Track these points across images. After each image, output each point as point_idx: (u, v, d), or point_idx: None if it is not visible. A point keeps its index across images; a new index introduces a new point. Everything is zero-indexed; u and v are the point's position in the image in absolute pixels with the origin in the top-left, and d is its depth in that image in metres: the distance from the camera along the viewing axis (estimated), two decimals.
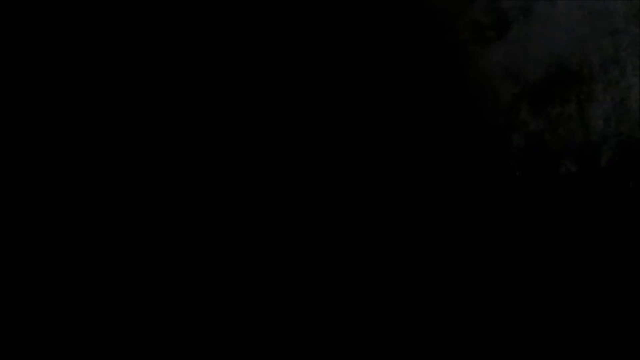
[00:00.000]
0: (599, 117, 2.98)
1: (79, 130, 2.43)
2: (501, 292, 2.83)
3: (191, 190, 2.49)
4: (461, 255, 2.85)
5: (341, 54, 2.79)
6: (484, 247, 2.87)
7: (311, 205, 2.62)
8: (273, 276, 2.48)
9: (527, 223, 2.91)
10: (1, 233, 2.32)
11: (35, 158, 2.40)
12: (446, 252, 2.84)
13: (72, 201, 2.40)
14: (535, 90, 2.97)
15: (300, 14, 2.62)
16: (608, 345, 2.81)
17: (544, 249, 2.90)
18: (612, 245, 2.88)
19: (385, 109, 2.88)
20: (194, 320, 2.38)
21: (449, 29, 2.94)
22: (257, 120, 2.55)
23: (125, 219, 2.42)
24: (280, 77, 2.58)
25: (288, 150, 2.59)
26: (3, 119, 2.37)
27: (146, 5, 2.44)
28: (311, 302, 2.50)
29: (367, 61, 2.85)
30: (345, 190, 2.72)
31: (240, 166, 2.53)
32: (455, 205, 2.89)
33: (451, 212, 2.89)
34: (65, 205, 2.39)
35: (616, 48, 2.98)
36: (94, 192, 2.41)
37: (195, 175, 2.49)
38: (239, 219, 2.50)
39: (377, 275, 2.70)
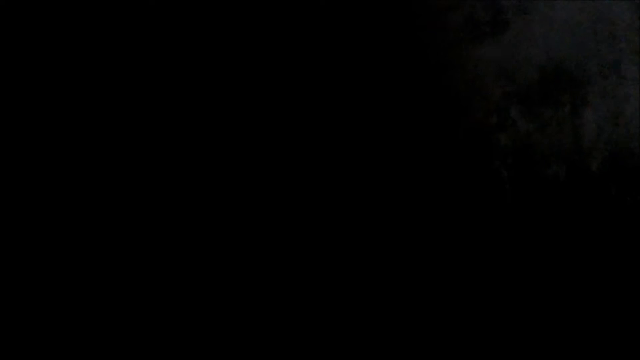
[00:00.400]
0: (592, 122, 2.91)
1: (78, 130, 2.45)
2: (483, 291, 2.78)
3: (191, 189, 2.50)
4: (444, 253, 2.82)
5: (335, 53, 2.81)
6: (467, 245, 2.83)
7: (299, 202, 2.62)
8: (268, 275, 2.49)
9: (510, 223, 2.85)
10: (1, 233, 2.34)
11: (35, 158, 2.42)
12: (429, 250, 2.81)
13: (72, 201, 2.42)
14: (527, 90, 2.92)
15: (300, 14, 2.64)
16: (593, 348, 2.73)
17: (526, 249, 2.84)
18: (596, 249, 2.80)
19: (371, 107, 2.87)
20: (194, 320, 2.38)
21: (442, 25, 2.93)
22: (255, 119, 2.56)
23: (125, 219, 2.43)
24: (279, 76, 2.60)
25: (284, 149, 2.60)
26: (3, 119, 2.40)
27: (146, 5, 2.46)
28: (302, 300, 2.50)
29: (355, 58, 2.85)
30: (331, 189, 2.72)
31: (236, 165, 2.54)
32: (438, 202, 2.86)
33: (435, 210, 2.86)
34: (65, 205, 2.41)
35: (616, 55, 2.91)
36: (93, 192, 2.43)
37: (195, 174, 2.50)
38: (237, 219, 2.51)
39: (364, 273, 2.69)
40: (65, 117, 2.42)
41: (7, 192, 2.33)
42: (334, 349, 2.42)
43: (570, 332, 2.74)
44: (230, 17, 2.52)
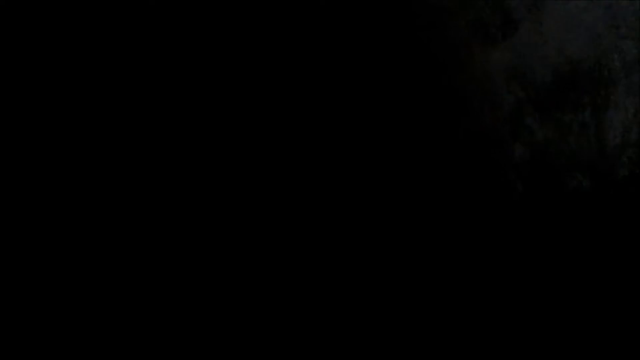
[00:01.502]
0: (618, 125, 2.64)
1: (78, 130, 2.42)
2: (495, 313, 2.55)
3: (191, 189, 2.45)
4: (452, 272, 2.60)
5: (336, 54, 2.63)
6: (481, 268, 2.60)
7: (301, 205, 2.51)
8: (268, 275, 2.43)
9: (529, 242, 2.61)
10: (1, 233, 2.32)
11: (35, 158, 2.39)
12: (436, 266, 2.59)
13: (72, 201, 2.39)
14: (543, 94, 2.67)
15: (300, 14, 2.54)
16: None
17: (547, 271, 2.59)
18: (627, 268, 2.53)
19: (374, 115, 2.68)
20: (193, 320, 2.35)
21: (449, 27, 2.71)
22: (255, 119, 2.50)
23: (125, 219, 2.40)
24: (280, 77, 2.52)
25: (285, 149, 2.51)
26: (3, 119, 2.38)
27: (146, 5, 2.43)
28: (301, 300, 2.43)
29: (356, 64, 2.67)
30: (335, 193, 2.57)
31: (235, 165, 2.47)
32: (446, 218, 2.63)
33: (444, 229, 2.64)
34: (65, 205, 2.39)
35: None
36: (93, 192, 2.40)
37: (195, 174, 2.45)
38: (238, 219, 2.45)
39: (366, 277, 2.53)
40: (65, 117, 2.40)
41: (7, 192, 2.33)
42: (334, 348, 2.36)
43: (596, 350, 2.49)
44: (230, 18, 2.48)
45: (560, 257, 2.56)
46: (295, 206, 2.50)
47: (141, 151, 2.43)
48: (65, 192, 2.38)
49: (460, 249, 2.57)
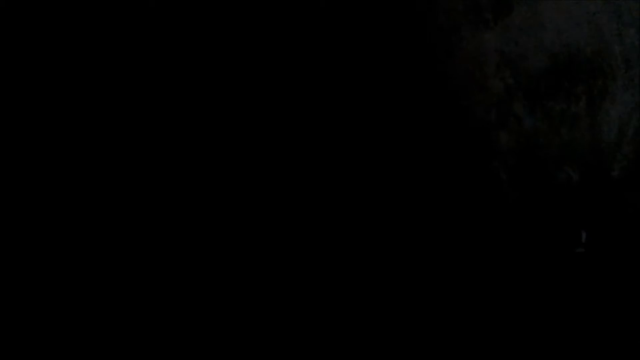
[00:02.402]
0: (614, 119, 2.45)
1: (79, 130, 2.41)
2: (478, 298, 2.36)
3: (191, 189, 2.43)
4: (436, 259, 2.43)
5: (334, 52, 2.55)
6: (461, 253, 2.43)
7: (294, 204, 2.47)
8: (268, 276, 2.40)
9: (510, 232, 2.42)
10: (1, 233, 2.33)
11: (35, 158, 2.39)
12: (420, 255, 2.43)
13: (71, 201, 2.38)
14: (535, 82, 2.50)
15: (300, 14, 2.50)
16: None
17: (528, 261, 2.39)
18: (612, 268, 2.31)
19: (359, 99, 2.56)
20: (193, 320, 2.33)
21: (439, 10, 2.58)
22: (255, 120, 2.46)
23: (125, 219, 2.39)
24: (279, 75, 2.49)
25: (284, 150, 2.48)
26: (3, 119, 2.39)
27: (146, 5, 2.43)
28: (301, 301, 2.39)
29: (344, 50, 2.56)
30: (324, 189, 2.49)
31: (236, 166, 2.44)
32: (427, 207, 2.48)
33: (424, 214, 2.48)
34: (65, 205, 2.37)
35: None
36: (93, 192, 2.39)
37: (195, 174, 2.43)
38: (238, 219, 2.43)
39: (360, 274, 2.44)
40: (65, 117, 2.41)
41: (7, 192, 2.33)
42: (336, 348, 2.30)
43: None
44: (230, 18, 2.46)
45: (543, 252, 2.37)
46: (290, 206, 2.46)
47: (141, 151, 2.42)
48: (65, 192, 2.38)
49: (443, 242, 2.40)
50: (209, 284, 2.35)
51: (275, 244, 2.42)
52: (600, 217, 2.34)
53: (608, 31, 2.48)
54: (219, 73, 2.46)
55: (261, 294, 2.35)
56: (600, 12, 2.48)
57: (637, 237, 2.33)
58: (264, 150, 2.45)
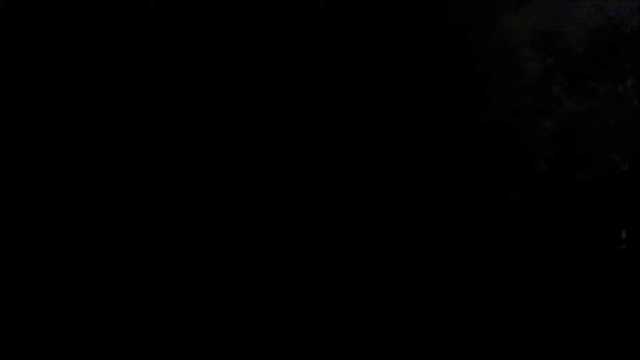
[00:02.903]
0: None
1: (78, 130, 2.40)
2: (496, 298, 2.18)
3: (191, 190, 2.39)
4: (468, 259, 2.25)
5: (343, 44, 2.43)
6: (498, 253, 2.24)
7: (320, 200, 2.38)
8: (274, 275, 2.34)
9: (551, 230, 2.22)
10: (1, 233, 2.33)
11: (35, 158, 2.38)
12: (452, 254, 2.25)
13: (71, 201, 2.36)
14: (575, 61, 2.28)
15: (300, 14, 2.45)
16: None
17: (573, 262, 2.19)
18: None
19: (385, 92, 2.38)
20: (193, 320, 2.29)
21: None
22: (257, 119, 2.41)
23: (124, 219, 2.37)
24: (279, 75, 2.43)
25: (287, 148, 2.40)
26: (3, 119, 2.39)
27: (146, 5, 2.43)
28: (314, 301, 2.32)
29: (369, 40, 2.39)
30: (348, 181, 2.38)
31: (241, 165, 2.40)
32: (459, 203, 2.29)
33: (457, 210, 2.29)
34: (65, 205, 2.36)
35: None
36: (93, 192, 2.37)
37: (195, 174, 2.39)
38: (240, 219, 2.37)
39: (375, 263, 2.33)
40: (65, 117, 2.40)
41: (7, 192, 2.34)
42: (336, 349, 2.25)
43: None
44: (231, 18, 2.45)
45: (583, 249, 2.16)
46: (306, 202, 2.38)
47: (141, 151, 2.39)
48: (66, 192, 2.37)
49: (474, 236, 2.21)
50: (209, 283, 2.31)
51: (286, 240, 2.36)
52: None
53: None
54: (219, 72, 2.43)
55: (262, 292, 2.31)
56: None
57: None
58: (263, 148, 2.39)
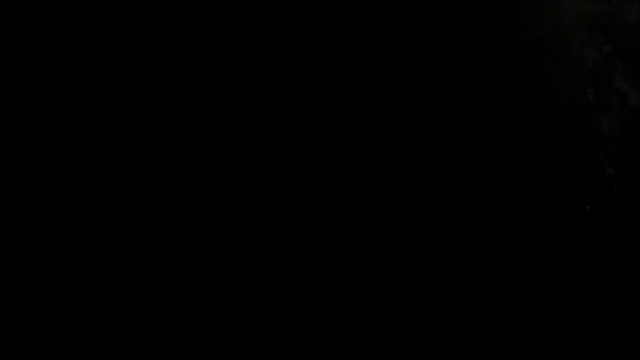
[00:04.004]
0: None
1: (78, 130, 2.40)
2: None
3: (191, 190, 2.36)
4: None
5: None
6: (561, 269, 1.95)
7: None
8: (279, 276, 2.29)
9: (622, 243, 1.90)
10: (1, 233, 2.33)
11: (35, 158, 2.38)
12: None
13: (71, 201, 2.35)
14: (638, 46, 1.96)
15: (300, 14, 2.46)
16: None
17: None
18: None
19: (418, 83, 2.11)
20: (193, 320, 2.25)
21: None
22: (258, 120, 2.39)
23: (125, 219, 2.34)
24: (280, 75, 2.41)
25: (288, 149, 2.35)
26: (3, 119, 2.42)
27: (146, 5, 2.49)
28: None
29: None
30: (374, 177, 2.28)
31: (240, 165, 2.36)
32: (517, 212, 1.99)
33: (515, 224, 2.00)
34: (65, 205, 2.34)
35: None
36: (93, 192, 2.36)
37: (195, 174, 2.37)
38: (240, 219, 2.33)
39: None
40: (65, 117, 2.41)
41: (7, 192, 2.35)
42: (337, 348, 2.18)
43: None
44: (231, 18, 2.49)
45: None
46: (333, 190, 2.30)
47: (142, 151, 2.38)
48: (65, 192, 2.36)
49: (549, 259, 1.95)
50: (209, 284, 2.28)
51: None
52: None
53: None
54: (218, 70, 2.43)
55: (264, 293, 2.27)
56: None
57: None
58: (264, 149, 2.35)
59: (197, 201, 2.35)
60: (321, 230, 2.27)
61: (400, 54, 2.31)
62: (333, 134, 2.31)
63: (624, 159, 1.93)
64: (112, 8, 2.51)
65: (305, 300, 2.25)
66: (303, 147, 2.33)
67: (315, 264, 2.27)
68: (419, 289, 2.15)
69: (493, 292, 2.06)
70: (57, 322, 2.25)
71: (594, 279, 1.95)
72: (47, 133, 2.41)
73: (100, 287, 2.28)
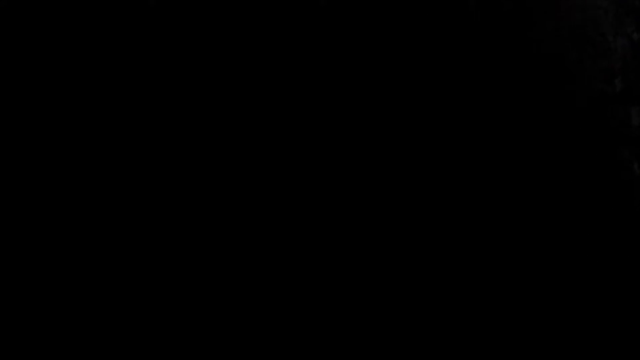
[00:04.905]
0: None
1: (78, 130, 2.41)
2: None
3: (191, 190, 2.36)
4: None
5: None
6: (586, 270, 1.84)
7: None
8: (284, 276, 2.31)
9: None
10: (1, 233, 2.35)
11: (35, 158, 2.40)
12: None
13: (71, 201, 2.36)
14: None
15: (300, 13, 2.44)
16: None
17: None
18: None
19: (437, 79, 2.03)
20: (193, 320, 2.28)
21: None
22: (258, 120, 2.38)
23: (125, 218, 2.36)
24: (280, 75, 2.40)
25: (288, 149, 2.35)
26: (3, 119, 2.44)
27: (146, 5, 2.50)
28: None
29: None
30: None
31: (240, 165, 2.36)
32: (538, 210, 1.88)
33: (535, 221, 1.89)
34: (65, 205, 2.36)
35: None
36: (93, 192, 2.37)
37: (195, 175, 2.37)
38: (240, 218, 2.34)
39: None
40: (65, 117, 2.41)
41: (7, 192, 2.36)
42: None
43: None
44: (231, 18, 2.47)
45: None
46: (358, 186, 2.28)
47: (142, 151, 2.39)
48: (65, 192, 2.36)
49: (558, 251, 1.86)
50: (210, 284, 2.30)
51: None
52: None
53: None
54: (219, 71, 2.43)
55: (265, 293, 2.29)
56: None
57: None
58: (263, 150, 2.35)
59: (197, 201, 2.34)
60: (321, 230, 2.25)
61: (409, 53, 2.26)
62: (333, 134, 2.30)
63: None
64: (112, 8, 2.52)
65: (305, 300, 2.24)
66: (303, 147, 2.31)
67: (316, 264, 2.26)
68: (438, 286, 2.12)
69: (516, 284, 2.00)
70: (57, 322, 2.27)
71: (618, 278, 1.85)
72: (47, 133, 2.42)
73: (100, 287, 2.29)
